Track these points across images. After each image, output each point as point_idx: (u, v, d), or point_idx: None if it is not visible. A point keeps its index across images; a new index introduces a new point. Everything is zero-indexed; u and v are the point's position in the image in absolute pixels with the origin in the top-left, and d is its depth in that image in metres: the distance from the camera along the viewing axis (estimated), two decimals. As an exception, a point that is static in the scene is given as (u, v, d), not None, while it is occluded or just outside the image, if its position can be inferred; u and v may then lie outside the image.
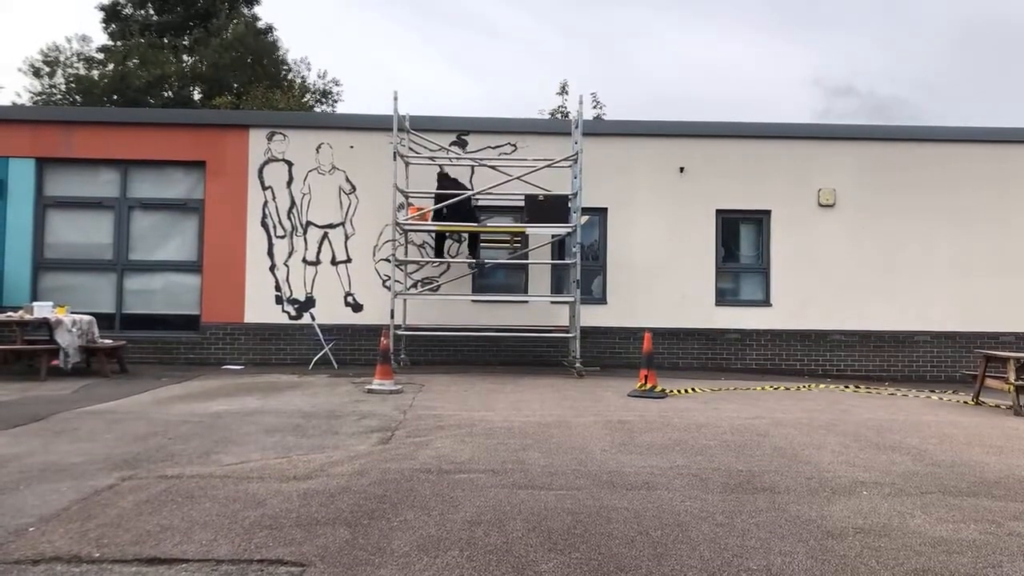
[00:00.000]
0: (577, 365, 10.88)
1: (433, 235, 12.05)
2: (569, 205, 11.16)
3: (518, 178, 11.55)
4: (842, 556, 3.52)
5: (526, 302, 12.06)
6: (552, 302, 12.04)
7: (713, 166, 12.48)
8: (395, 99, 11.17)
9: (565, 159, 11.36)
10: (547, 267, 12.14)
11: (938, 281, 12.52)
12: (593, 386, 9.69)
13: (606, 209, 12.39)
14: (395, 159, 11.17)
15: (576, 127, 11.32)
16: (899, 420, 7.56)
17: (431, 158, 12.06)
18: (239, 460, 5.19)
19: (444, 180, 11.97)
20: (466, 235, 12.00)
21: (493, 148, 12.39)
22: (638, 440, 6.10)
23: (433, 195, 11.80)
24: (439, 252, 12.04)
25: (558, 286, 12.34)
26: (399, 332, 11.41)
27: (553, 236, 12.01)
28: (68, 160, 12.32)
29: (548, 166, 11.45)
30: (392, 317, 11.07)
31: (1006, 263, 12.55)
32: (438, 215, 11.45)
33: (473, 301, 11.95)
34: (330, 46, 59.29)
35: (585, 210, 11.54)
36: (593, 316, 12.01)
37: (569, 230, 11.22)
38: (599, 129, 13.30)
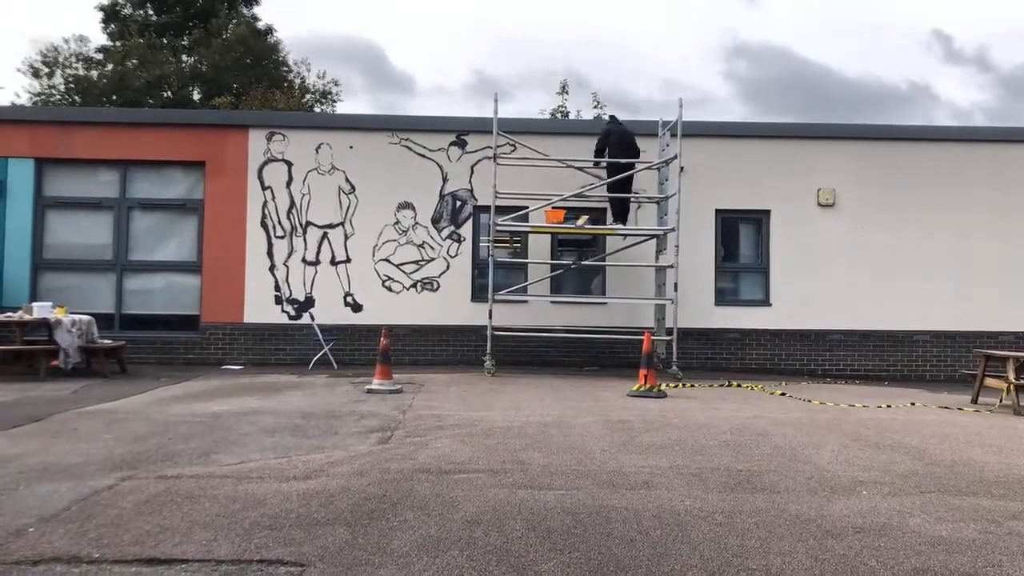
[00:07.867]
0: (673, 368, 10.84)
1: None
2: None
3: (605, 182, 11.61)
4: (841, 556, 3.52)
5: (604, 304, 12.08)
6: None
7: (713, 166, 12.46)
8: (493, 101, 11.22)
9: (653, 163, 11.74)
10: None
11: (938, 280, 12.51)
12: (592, 386, 9.69)
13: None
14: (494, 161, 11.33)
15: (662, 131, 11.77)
16: (898, 419, 7.57)
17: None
18: (239, 460, 5.19)
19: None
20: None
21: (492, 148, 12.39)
22: (638, 440, 6.10)
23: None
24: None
25: (558, 287, 12.38)
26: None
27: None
28: (67, 160, 12.31)
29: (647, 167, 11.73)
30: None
31: (1006, 262, 12.54)
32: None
33: (552, 303, 11.98)
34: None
35: None
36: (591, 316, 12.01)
37: (660, 232, 11.47)
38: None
